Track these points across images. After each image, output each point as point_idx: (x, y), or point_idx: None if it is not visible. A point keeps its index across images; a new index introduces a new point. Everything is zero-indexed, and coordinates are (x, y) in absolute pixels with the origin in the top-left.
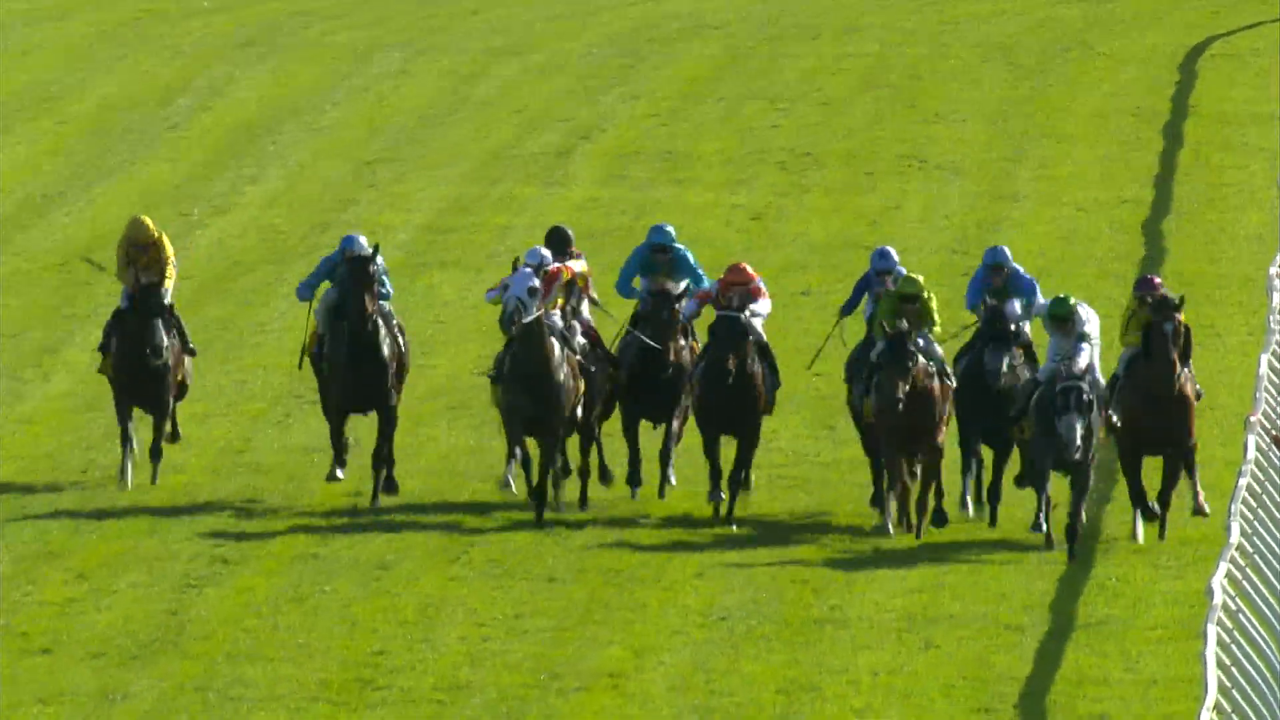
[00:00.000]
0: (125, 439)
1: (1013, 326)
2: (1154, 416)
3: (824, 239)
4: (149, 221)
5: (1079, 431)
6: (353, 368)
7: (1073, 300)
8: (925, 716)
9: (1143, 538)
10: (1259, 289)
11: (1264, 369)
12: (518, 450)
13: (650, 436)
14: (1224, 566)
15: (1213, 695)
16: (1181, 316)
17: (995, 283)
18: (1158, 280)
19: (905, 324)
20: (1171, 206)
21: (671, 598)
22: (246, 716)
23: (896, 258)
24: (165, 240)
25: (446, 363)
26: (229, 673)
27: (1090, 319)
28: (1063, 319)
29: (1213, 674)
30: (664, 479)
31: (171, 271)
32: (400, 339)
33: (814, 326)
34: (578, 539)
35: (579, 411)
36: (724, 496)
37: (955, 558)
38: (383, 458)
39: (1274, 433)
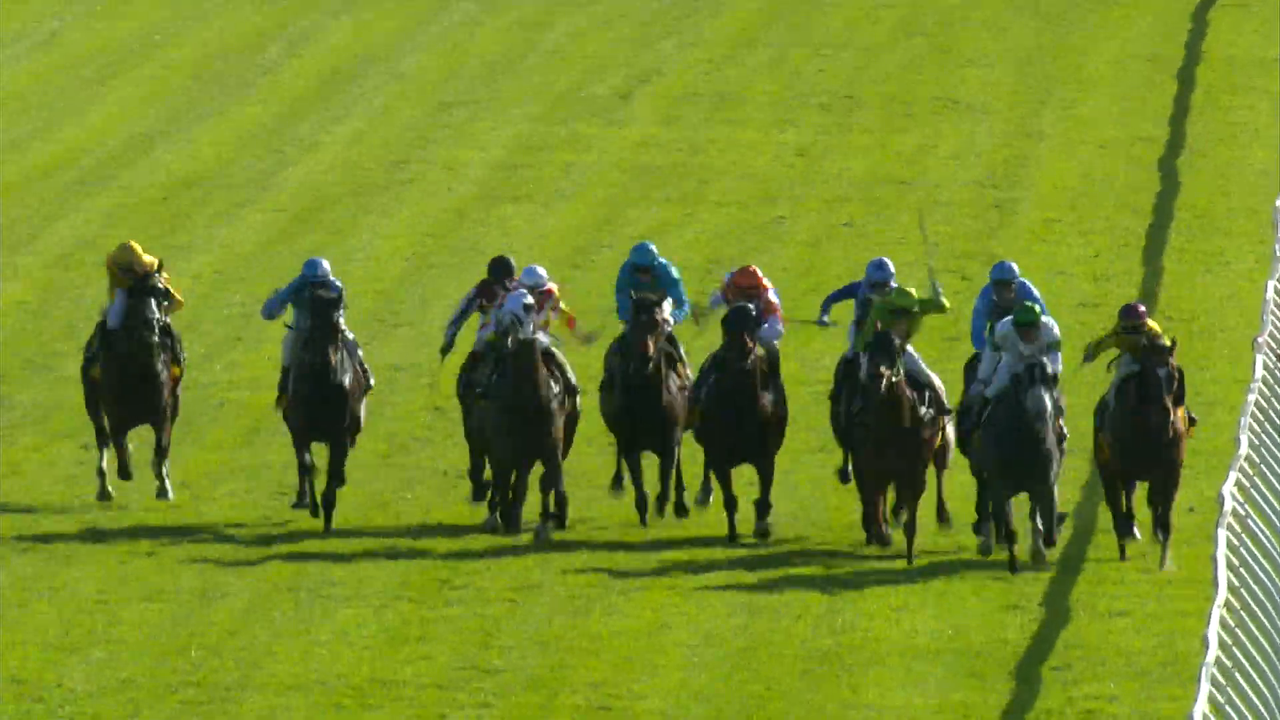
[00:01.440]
0: (122, 460)
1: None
2: (1142, 447)
3: (864, 174)
4: (137, 247)
5: (1047, 403)
6: (313, 401)
7: (1038, 307)
8: (956, 609)
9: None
10: (1265, 220)
11: (1270, 293)
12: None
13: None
14: (1234, 475)
15: (1223, 594)
16: (1174, 360)
17: (1005, 297)
18: (1142, 309)
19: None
20: (1185, 144)
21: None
22: (334, 613)
23: (893, 269)
24: (158, 264)
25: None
26: (318, 574)
27: (1054, 328)
28: (1029, 325)
29: (1223, 574)
30: (664, 495)
31: (179, 297)
32: (362, 370)
33: (854, 255)
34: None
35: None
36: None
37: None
38: (331, 495)
39: (1279, 352)
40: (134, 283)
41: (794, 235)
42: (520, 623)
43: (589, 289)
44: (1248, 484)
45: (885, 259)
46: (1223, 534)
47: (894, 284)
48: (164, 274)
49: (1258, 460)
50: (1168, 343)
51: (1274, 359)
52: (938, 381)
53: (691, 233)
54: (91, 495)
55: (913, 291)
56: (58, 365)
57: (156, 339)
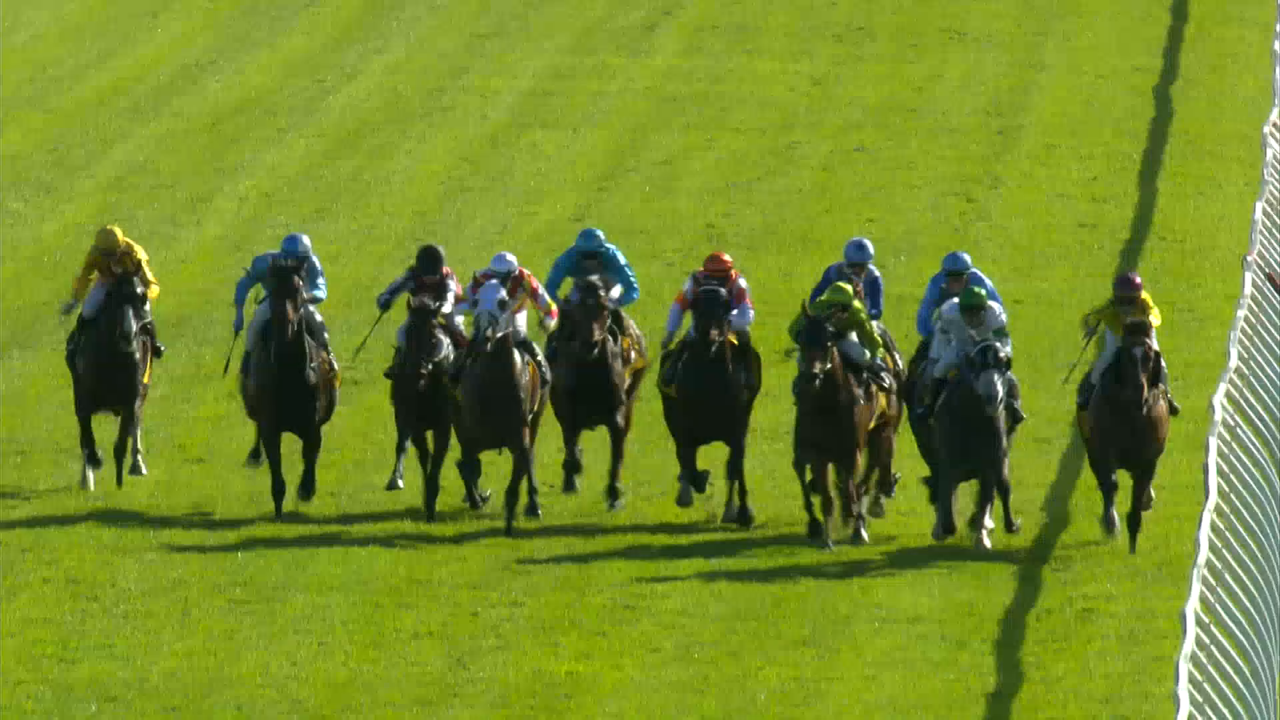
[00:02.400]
0: (88, 446)
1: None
2: (1124, 432)
3: (876, 102)
4: (118, 231)
5: (999, 386)
6: (277, 388)
7: (984, 290)
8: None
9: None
10: (1255, 145)
11: (1259, 214)
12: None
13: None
14: (1223, 386)
15: (1213, 499)
16: (1153, 341)
17: (954, 288)
18: (1138, 280)
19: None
20: (1178, 73)
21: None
22: (372, 518)
23: (871, 251)
24: (137, 249)
25: (546, 210)
26: (358, 479)
27: (998, 312)
28: (976, 308)
29: (1213, 481)
30: (612, 490)
31: (153, 281)
32: (329, 358)
33: (867, 179)
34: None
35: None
36: (693, 500)
37: None
38: (308, 484)
39: (1268, 270)
40: (113, 286)
41: (808, 159)
42: (549, 527)
43: (615, 210)
44: (1237, 395)
45: (864, 240)
46: (1214, 442)
47: (873, 269)
48: (144, 258)
49: (1246, 372)
50: (1156, 320)
51: (1262, 276)
52: (878, 361)
53: (712, 157)
54: (148, 406)
55: (848, 287)
56: None
57: (133, 350)
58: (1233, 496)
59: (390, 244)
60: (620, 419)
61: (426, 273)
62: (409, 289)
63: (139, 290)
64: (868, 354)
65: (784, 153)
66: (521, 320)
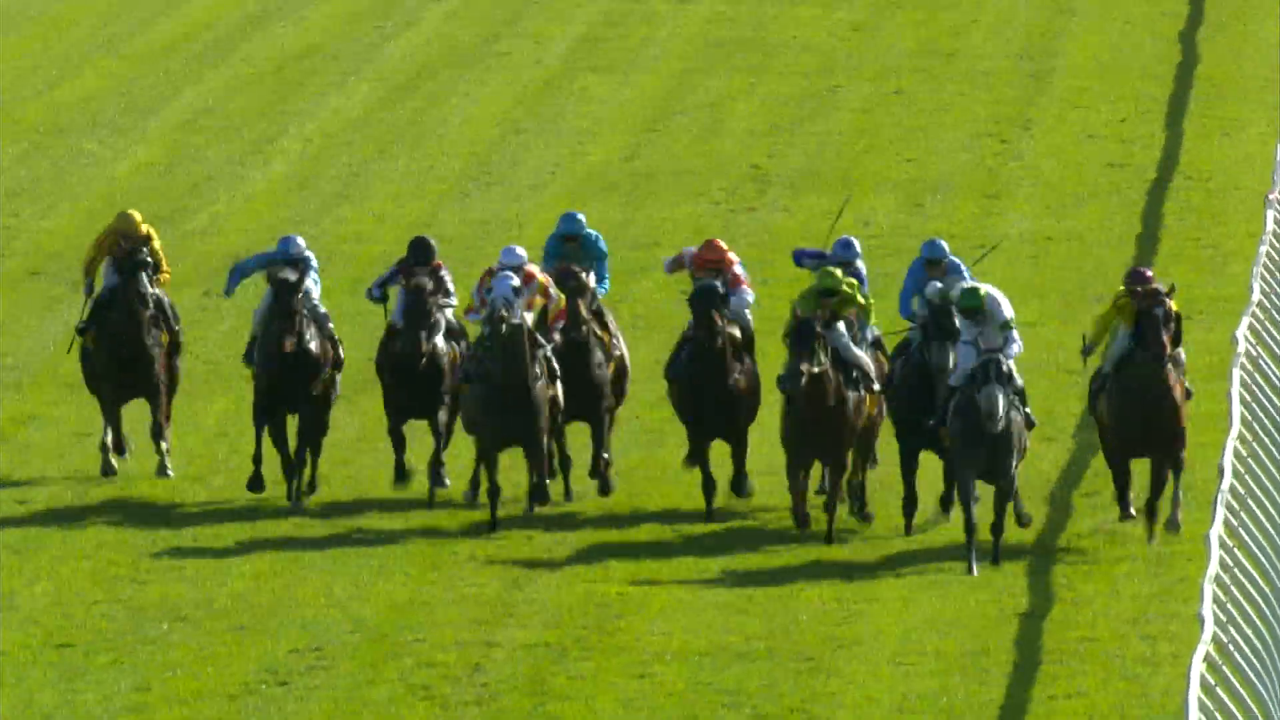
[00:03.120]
0: (116, 436)
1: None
2: (1143, 415)
3: (913, 47)
4: (137, 216)
5: (1000, 402)
6: (281, 373)
7: (982, 290)
8: None
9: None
10: (1277, 88)
11: None
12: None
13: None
14: (1246, 320)
15: (1236, 427)
16: (1172, 304)
17: (933, 275)
18: (1150, 273)
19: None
20: (1204, 19)
21: None
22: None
23: (858, 249)
24: (154, 235)
25: (599, 150)
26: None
27: (1003, 303)
28: (973, 311)
29: (1236, 410)
30: (596, 458)
31: (165, 267)
32: (331, 343)
33: (904, 120)
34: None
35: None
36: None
37: None
38: (302, 461)
39: None
40: (123, 256)
41: (849, 103)
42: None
43: (662, 151)
44: (1259, 327)
45: (852, 239)
46: (1237, 373)
47: (861, 265)
48: (156, 241)
49: (1269, 306)
50: (1166, 288)
51: None
52: (866, 360)
53: (757, 100)
54: (217, 335)
55: (837, 271)
56: (181, 220)
57: (150, 312)
58: (1255, 425)
59: (448, 183)
60: (603, 410)
61: (418, 263)
62: (398, 281)
63: (149, 259)
64: (870, 331)
65: (825, 96)
66: (530, 319)
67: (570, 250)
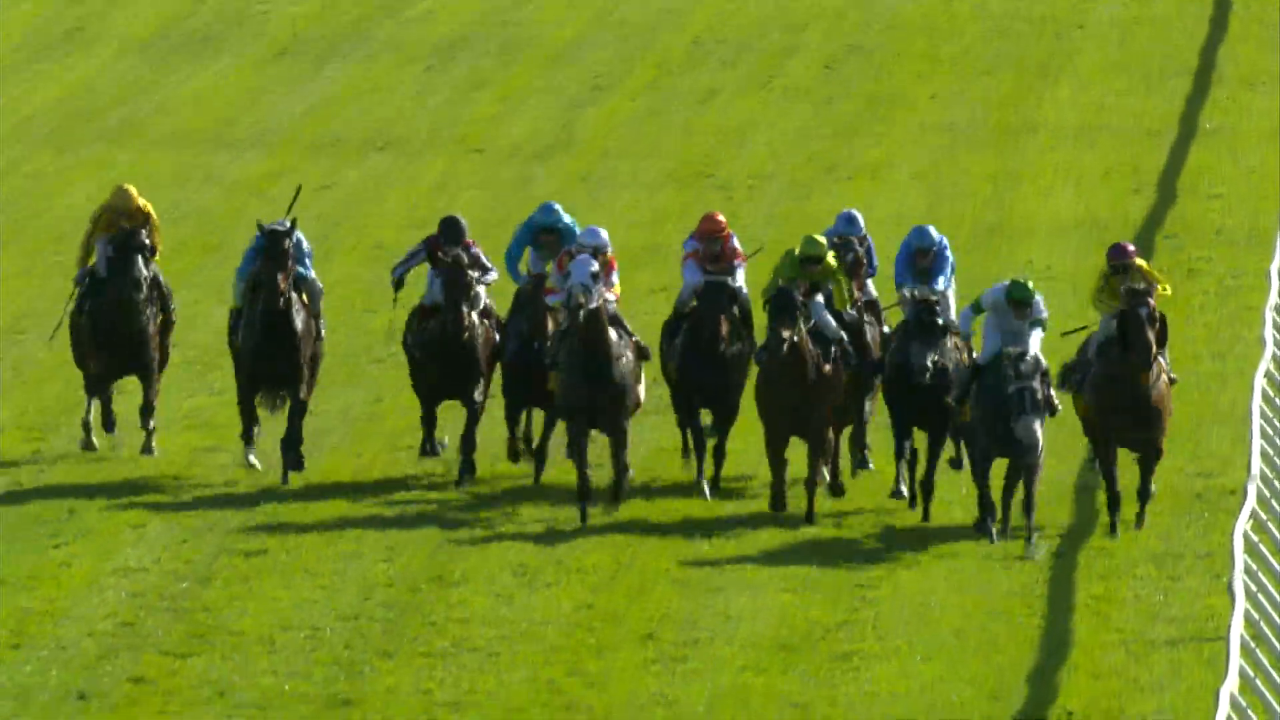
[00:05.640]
0: (105, 412)
1: (940, 320)
2: (1128, 406)
3: None
4: (134, 191)
5: (1038, 433)
6: (265, 347)
7: (1031, 284)
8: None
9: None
10: None
11: None
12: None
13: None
14: None
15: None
16: (1154, 302)
17: (921, 264)
18: (1131, 248)
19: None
20: None
21: None
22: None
23: (862, 223)
24: (151, 210)
25: None
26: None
27: (1041, 306)
28: (1023, 303)
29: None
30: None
31: (159, 241)
32: (315, 323)
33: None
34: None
35: (640, 393)
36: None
37: None
38: (291, 441)
39: None
40: (119, 236)
41: None
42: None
43: None
44: None
45: (855, 213)
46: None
47: (866, 236)
48: (154, 218)
49: None
50: (1166, 290)
51: None
52: (843, 335)
53: None
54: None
55: (822, 240)
56: None
57: (144, 295)
58: None
59: None
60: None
61: (449, 242)
62: (421, 261)
63: (146, 241)
64: (847, 311)
65: None
66: (612, 298)
67: (548, 243)
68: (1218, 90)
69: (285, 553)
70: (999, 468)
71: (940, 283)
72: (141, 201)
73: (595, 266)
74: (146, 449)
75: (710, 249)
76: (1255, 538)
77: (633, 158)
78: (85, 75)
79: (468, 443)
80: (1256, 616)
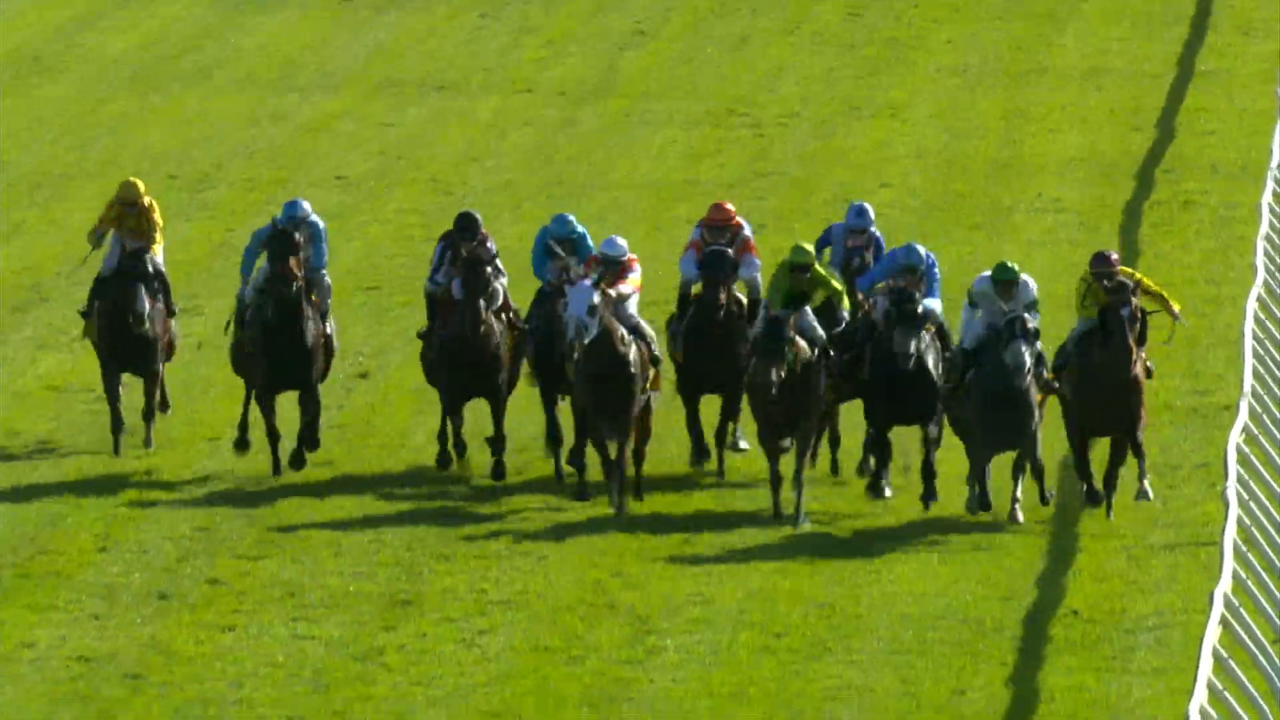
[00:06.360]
0: (115, 411)
1: (920, 308)
2: (1105, 398)
3: None
4: (139, 184)
5: (1027, 357)
6: (274, 345)
7: (1016, 265)
8: None
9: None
10: None
11: None
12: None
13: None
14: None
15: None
16: (1138, 300)
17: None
18: (1114, 256)
19: (786, 309)
20: None
21: None
22: None
23: (872, 216)
24: (154, 205)
25: None
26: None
27: (1031, 284)
28: (1009, 283)
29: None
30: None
31: (159, 236)
32: (326, 323)
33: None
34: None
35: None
36: (710, 455)
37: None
38: (304, 439)
39: None
40: (124, 262)
41: None
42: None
43: None
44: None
45: (866, 205)
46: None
47: (876, 231)
48: (156, 213)
49: None
50: (1133, 284)
51: None
52: (843, 314)
53: None
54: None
55: (809, 248)
56: None
57: (147, 329)
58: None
59: None
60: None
61: (464, 237)
62: (446, 259)
63: (150, 269)
64: (842, 313)
65: None
66: (634, 304)
67: (564, 252)
68: (1213, 36)
69: (350, 465)
70: (1000, 467)
71: (930, 302)
72: (148, 200)
73: (596, 298)
74: (147, 442)
75: (716, 240)
76: (1247, 450)
77: (671, 98)
78: (163, 22)
79: (497, 444)
80: (1248, 522)
